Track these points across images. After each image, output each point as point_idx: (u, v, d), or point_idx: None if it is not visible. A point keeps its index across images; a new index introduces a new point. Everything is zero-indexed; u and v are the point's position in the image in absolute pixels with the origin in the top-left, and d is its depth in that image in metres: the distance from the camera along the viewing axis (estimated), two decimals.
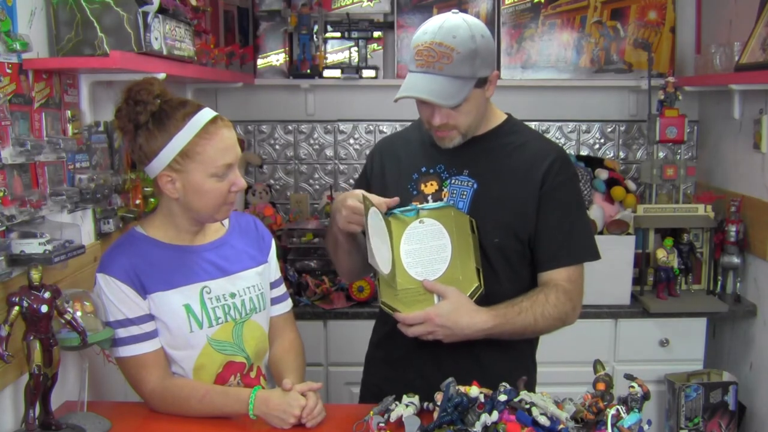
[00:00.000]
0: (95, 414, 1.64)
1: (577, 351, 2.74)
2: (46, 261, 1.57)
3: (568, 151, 3.36)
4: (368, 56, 3.42)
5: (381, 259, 1.69)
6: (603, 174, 3.10)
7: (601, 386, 1.46)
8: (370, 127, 3.53)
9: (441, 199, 1.80)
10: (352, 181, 3.50)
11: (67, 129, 1.85)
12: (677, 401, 2.82)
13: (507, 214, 1.78)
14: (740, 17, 2.89)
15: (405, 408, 1.57)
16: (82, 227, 1.91)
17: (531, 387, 1.76)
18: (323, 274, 3.02)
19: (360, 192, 1.73)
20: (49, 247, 1.59)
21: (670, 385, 2.88)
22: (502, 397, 1.48)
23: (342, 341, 2.91)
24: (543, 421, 1.43)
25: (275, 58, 3.43)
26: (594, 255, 1.83)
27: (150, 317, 1.68)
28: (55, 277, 1.69)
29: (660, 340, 2.93)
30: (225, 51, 2.96)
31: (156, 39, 1.88)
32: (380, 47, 3.43)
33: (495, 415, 1.45)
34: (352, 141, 3.54)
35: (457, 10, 1.75)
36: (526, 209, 1.78)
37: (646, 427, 1.42)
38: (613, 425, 1.39)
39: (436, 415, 1.51)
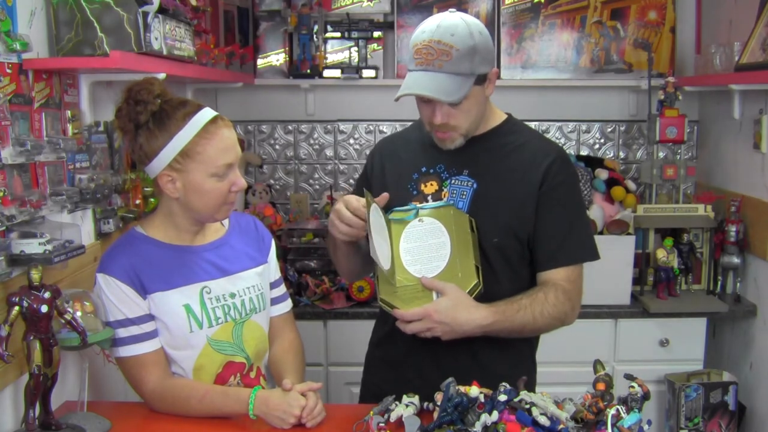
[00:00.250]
0: (95, 414, 1.64)
1: (577, 351, 2.74)
2: (46, 261, 1.57)
3: (568, 151, 3.36)
4: (368, 56, 3.42)
5: (382, 255, 1.69)
6: (603, 174, 3.10)
7: (601, 386, 1.46)
8: (370, 127, 3.53)
9: (441, 199, 1.80)
10: (352, 181, 3.50)
11: (67, 129, 1.85)
12: (677, 401, 2.82)
13: (506, 214, 1.78)
14: (740, 17, 2.89)
15: (405, 408, 1.57)
16: (82, 227, 1.91)
17: (531, 387, 1.76)
18: (323, 274, 3.01)
19: (349, 196, 1.74)
20: (49, 247, 1.59)
21: (670, 385, 2.88)
22: (502, 397, 1.48)
23: (342, 341, 2.91)
24: (543, 421, 1.43)
25: (275, 58, 3.43)
26: (593, 255, 1.83)
27: (150, 317, 1.68)
28: (55, 277, 1.69)
29: (660, 340, 2.93)
30: (225, 51, 2.96)
31: (156, 39, 1.88)
32: (380, 47, 3.44)
33: (495, 415, 1.45)
34: (352, 141, 3.54)
35: (454, 9, 1.76)
36: (525, 209, 1.78)
37: (646, 427, 1.42)
38: (613, 425, 1.39)
39: (436, 415, 1.51)
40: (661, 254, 2.97)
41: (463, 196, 1.79)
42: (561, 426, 1.43)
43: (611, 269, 2.70)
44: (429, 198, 1.81)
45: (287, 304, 1.93)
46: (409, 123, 2.01)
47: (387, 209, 1.79)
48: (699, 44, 3.33)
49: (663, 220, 3.01)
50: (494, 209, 1.78)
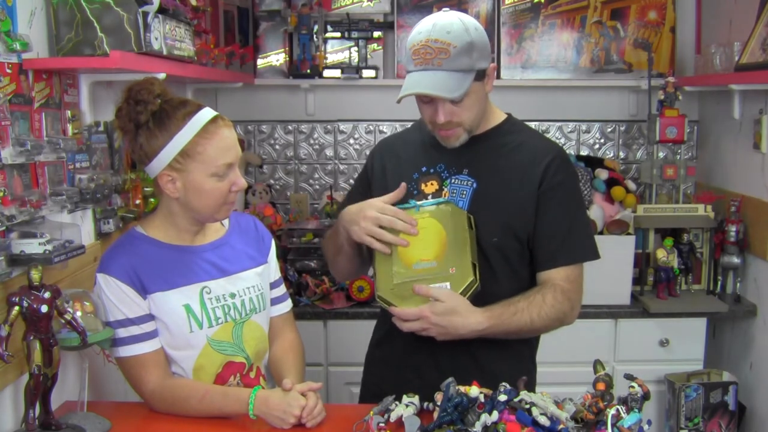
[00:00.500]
0: (95, 414, 1.64)
1: (577, 351, 2.74)
2: (46, 261, 1.57)
3: (568, 151, 3.36)
4: (368, 56, 3.42)
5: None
6: (603, 174, 3.10)
7: (601, 386, 1.46)
8: (370, 127, 3.53)
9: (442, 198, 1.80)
10: (352, 181, 3.49)
11: (67, 129, 1.85)
12: (677, 401, 2.82)
13: (506, 213, 1.78)
14: (740, 17, 2.89)
15: (405, 408, 1.57)
16: (82, 227, 1.91)
17: (531, 387, 1.76)
18: (323, 274, 3.01)
19: (375, 201, 1.75)
20: (49, 247, 1.59)
21: (670, 385, 2.88)
22: (502, 397, 1.48)
23: (342, 341, 2.91)
24: (543, 421, 1.42)
25: (275, 58, 3.43)
26: (593, 254, 1.83)
27: (150, 317, 1.68)
28: (55, 277, 1.69)
29: (660, 340, 2.93)
30: (225, 51, 2.96)
31: (156, 39, 1.88)
32: (380, 47, 3.44)
33: (495, 415, 1.44)
34: (352, 141, 3.54)
35: (448, 9, 1.77)
36: (524, 208, 1.78)
37: (646, 427, 1.42)
38: (613, 425, 1.39)
39: (436, 415, 1.51)
40: (661, 254, 2.97)
41: (463, 196, 1.80)
42: (561, 426, 1.43)
43: (611, 269, 2.70)
44: (429, 197, 1.81)
45: (287, 304, 1.93)
46: (410, 123, 2.01)
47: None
48: (699, 44, 3.33)
49: (663, 220, 3.01)
50: (494, 208, 1.78)
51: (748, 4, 2.75)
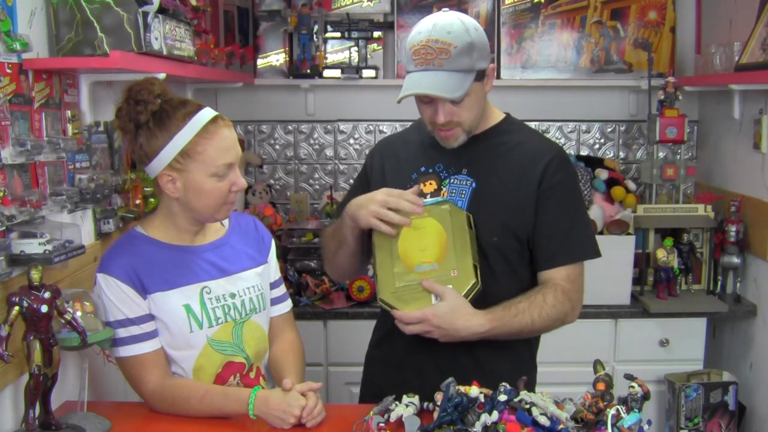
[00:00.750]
0: (95, 414, 1.64)
1: (577, 351, 2.74)
2: (46, 261, 1.57)
3: (568, 151, 3.36)
4: (368, 56, 3.42)
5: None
6: (603, 174, 3.10)
7: (601, 386, 1.46)
8: (370, 127, 3.53)
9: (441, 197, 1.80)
10: (352, 180, 3.49)
11: (67, 129, 1.85)
12: (677, 401, 2.82)
13: (505, 212, 1.78)
14: (740, 17, 2.89)
15: (405, 408, 1.57)
16: (82, 227, 1.91)
17: (531, 387, 1.76)
18: (323, 274, 3.01)
19: (385, 189, 1.75)
20: (49, 247, 1.59)
21: (670, 385, 2.88)
22: (502, 397, 1.48)
23: (342, 341, 2.91)
24: (543, 421, 1.42)
25: (275, 58, 3.43)
26: (594, 253, 1.83)
27: (150, 317, 1.68)
28: (55, 277, 1.69)
29: (660, 340, 2.93)
30: (225, 51, 2.96)
31: (156, 39, 1.88)
32: (380, 47, 3.44)
33: (495, 415, 1.44)
34: (352, 141, 3.54)
35: (447, 9, 1.77)
36: (524, 208, 1.78)
37: (646, 427, 1.42)
38: (613, 425, 1.39)
39: (436, 415, 1.51)
40: (661, 254, 2.97)
41: (462, 195, 1.80)
42: (561, 426, 1.43)
43: (611, 269, 2.70)
44: (428, 197, 1.81)
45: (287, 305, 1.93)
46: (409, 123, 2.00)
47: None
48: (699, 44, 3.33)
49: (663, 220, 3.01)
50: (493, 208, 1.78)
51: (748, 4, 2.75)
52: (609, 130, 3.52)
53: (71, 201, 1.79)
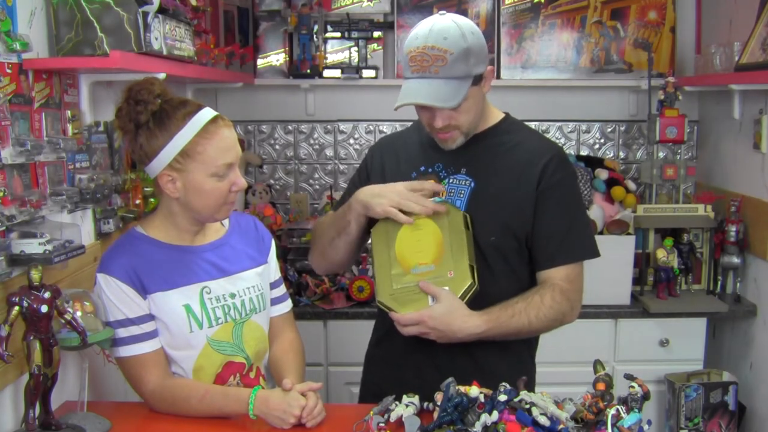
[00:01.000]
0: (95, 414, 1.64)
1: (577, 351, 2.74)
2: (46, 261, 1.57)
3: (568, 151, 3.37)
4: (368, 56, 3.42)
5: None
6: (603, 174, 3.10)
7: (601, 386, 1.46)
8: (370, 127, 3.53)
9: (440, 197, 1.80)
10: None
11: (67, 129, 1.85)
12: (677, 401, 2.82)
13: (504, 212, 1.78)
14: (740, 17, 2.89)
15: (405, 408, 1.57)
16: (82, 227, 1.90)
17: (530, 387, 1.76)
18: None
19: (406, 183, 1.76)
20: (49, 247, 1.59)
21: (670, 385, 2.88)
22: (502, 397, 1.48)
23: (342, 341, 2.91)
24: (543, 421, 1.42)
25: (275, 58, 3.43)
26: (593, 253, 1.83)
27: (150, 317, 1.68)
28: (55, 277, 1.69)
29: (660, 340, 2.93)
30: (225, 51, 2.96)
31: (156, 39, 1.88)
32: (380, 47, 3.44)
33: (495, 415, 1.44)
34: (352, 141, 3.54)
35: (444, 11, 1.76)
36: (523, 207, 1.78)
37: (646, 427, 1.42)
38: (613, 425, 1.39)
39: (436, 415, 1.51)
40: (661, 254, 2.97)
41: (461, 195, 1.80)
42: (561, 426, 1.43)
43: (611, 269, 2.70)
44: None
45: (287, 305, 1.93)
46: (409, 123, 2.01)
47: None
48: (699, 44, 3.33)
49: (663, 220, 3.01)
50: (492, 208, 1.78)
51: (748, 4, 2.75)
52: (609, 130, 3.52)
53: (71, 201, 1.79)
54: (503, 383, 1.53)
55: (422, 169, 1.84)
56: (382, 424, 1.54)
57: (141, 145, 1.63)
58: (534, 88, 3.43)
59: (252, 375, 1.78)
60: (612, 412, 1.40)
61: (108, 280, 1.65)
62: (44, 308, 1.45)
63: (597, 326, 2.89)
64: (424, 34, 1.68)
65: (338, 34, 3.41)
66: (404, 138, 1.96)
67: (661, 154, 3.38)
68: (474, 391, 1.49)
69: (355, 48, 3.41)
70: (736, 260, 2.97)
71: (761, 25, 2.61)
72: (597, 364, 1.54)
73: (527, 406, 1.45)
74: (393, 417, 1.55)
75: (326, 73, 3.36)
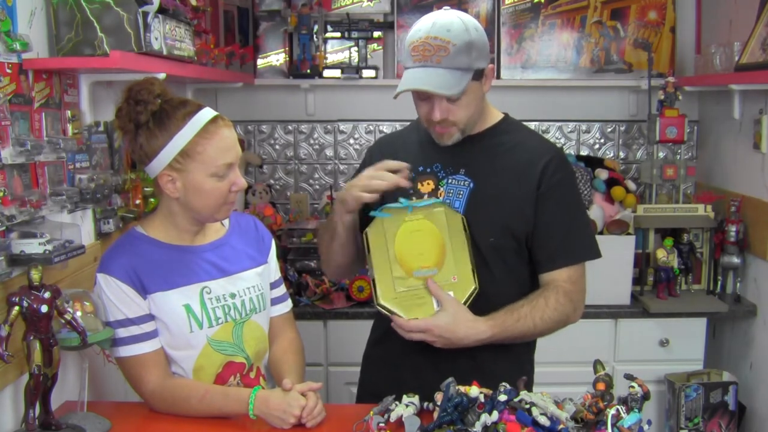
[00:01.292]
0: (95, 414, 1.64)
1: (577, 351, 2.74)
2: (46, 261, 1.57)
3: (567, 151, 3.37)
4: (368, 56, 3.42)
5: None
6: (603, 174, 3.10)
7: (601, 386, 1.46)
8: (370, 127, 3.53)
9: (437, 197, 1.79)
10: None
11: (67, 129, 1.85)
12: (677, 401, 2.82)
13: (503, 213, 1.77)
14: (740, 17, 2.89)
15: (405, 408, 1.57)
16: (82, 227, 1.90)
17: (529, 388, 1.76)
18: (323, 274, 3.01)
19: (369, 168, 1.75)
20: (49, 247, 1.59)
21: (670, 385, 2.88)
22: (502, 397, 1.48)
23: (342, 341, 2.91)
24: (543, 421, 1.43)
25: (275, 58, 3.43)
26: (595, 254, 1.83)
27: (150, 317, 1.68)
28: (55, 277, 1.69)
29: (660, 340, 2.93)
30: (225, 51, 2.96)
31: (156, 39, 1.88)
32: (380, 47, 3.44)
33: (495, 415, 1.45)
34: (352, 141, 3.54)
35: (448, 7, 1.76)
36: (522, 208, 1.77)
37: (646, 427, 1.42)
38: (613, 425, 1.39)
39: (436, 415, 1.51)
40: (661, 254, 2.97)
41: (460, 196, 1.79)
42: (561, 426, 1.43)
43: (611, 269, 2.70)
44: (425, 197, 1.80)
45: (287, 305, 1.93)
46: (409, 123, 2.00)
47: (379, 205, 1.78)
48: (699, 44, 3.33)
49: (663, 220, 3.01)
50: (491, 208, 1.77)
51: (748, 4, 2.75)
52: (609, 130, 3.52)
53: (71, 201, 1.79)
54: (503, 383, 1.53)
55: (420, 169, 1.84)
56: (382, 424, 1.54)
57: (141, 145, 1.63)
58: (534, 88, 3.43)
59: (252, 375, 1.78)
60: (612, 412, 1.40)
61: (108, 280, 1.65)
62: (44, 308, 1.45)
63: (597, 326, 2.89)
64: (427, 26, 1.69)
65: (338, 34, 3.41)
66: (403, 137, 1.96)
67: (661, 154, 3.38)
68: (474, 391, 1.49)
69: (355, 48, 3.41)
70: (736, 260, 2.97)
71: (761, 25, 2.61)
72: (597, 364, 1.54)
73: (527, 406, 1.45)
74: (393, 417, 1.55)
75: (326, 73, 3.36)
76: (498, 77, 3.34)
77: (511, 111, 1.92)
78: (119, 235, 1.87)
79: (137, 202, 2.22)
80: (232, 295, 1.75)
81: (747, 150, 2.92)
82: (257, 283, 1.81)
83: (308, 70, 3.35)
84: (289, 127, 3.54)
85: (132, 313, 1.65)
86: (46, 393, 1.51)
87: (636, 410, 1.43)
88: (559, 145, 3.35)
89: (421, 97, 1.72)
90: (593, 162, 3.20)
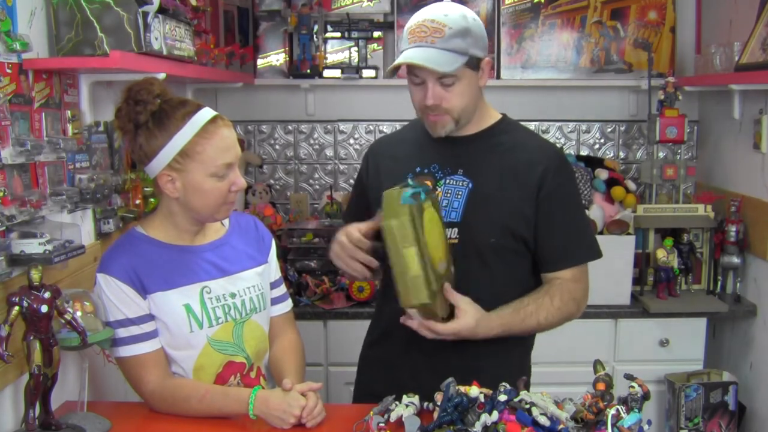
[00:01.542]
0: (95, 414, 1.64)
1: (577, 351, 2.74)
2: (46, 261, 1.57)
3: (567, 151, 3.38)
4: (368, 56, 3.42)
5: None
6: (603, 174, 3.10)
7: (601, 386, 1.46)
8: (370, 127, 3.53)
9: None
10: (352, 181, 3.49)
11: (67, 129, 1.85)
12: (677, 401, 2.82)
13: (503, 213, 1.77)
14: (740, 17, 2.89)
15: (405, 408, 1.57)
16: (82, 227, 1.91)
17: (527, 389, 1.76)
18: (323, 274, 3.02)
19: (350, 229, 1.71)
20: (49, 247, 1.59)
21: (670, 385, 2.88)
22: (502, 397, 1.48)
23: (342, 341, 2.91)
24: (543, 421, 1.43)
25: (275, 58, 3.43)
26: (596, 254, 1.84)
27: (150, 317, 1.68)
28: (55, 277, 1.69)
29: (660, 340, 2.93)
30: (225, 51, 2.96)
31: (156, 39, 1.88)
32: (380, 47, 3.43)
33: (495, 415, 1.45)
34: (352, 141, 3.54)
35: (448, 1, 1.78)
36: (522, 208, 1.77)
37: (646, 427, 1.42)
38: (613, 425, 1.39)
39: (436, 415, 1.51)
40: (661, 254, 2.97)
41: (458, 196, 1.79)
42: (561, 426, 1.43)
43: (611, 269, 2.70)
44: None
45: (287, 304, 1.93)
46: (408, 122, 2.00)
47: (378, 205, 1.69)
48: (699, 44, 3.33)
49: (663, 220, 3.01)
50: (491, 209, 1.77)
51: (748, 4, 2.75)
52: (609, 130, 3.52)
53: (71, 201, 1.79)
54: (503, 383, 1.53)
55: (418, 170, 1.83)
56: (382, 424, 1.54)
57: (140, 145, 1.63)
58: (534, 88, 3.43)
59: (252, 375, 1.78)
60: (612, 412, 1.40)
61: (108, 280, 1.65)
62: (44, 308, 1.45)
63: (597, 326, 2.89)
64: (425, 12, 1.71)
65: (338, 34, 3.41)
66: (400, 137, 1.96)
67: (661, 154, 3.38)
68: (474, 391, 1.49)
69: (355, 48, 3.41)
70: (736, 260, 2.97)
71: (761, 25, 2.61)
72: (597, 364, 1.54)
73: (527, 406, 1.45)
74: (393, 417, 1.55)
75: (326, 73, 3.36)
76: (498, 77, 3.34)
77: (511, 111, 1.92)
78: (119, 235, 1.87)
79: (137, 202, 2.22)
80: (232, 295, 1.75)
81: (747, 150, 2.92)
82: (257, 283, 1.81)
83: (308, 70, 3.35)
84: (289, 127, 3.54)
85: (132, 313, 1.65)
86: (46, 393, 1.51)
87: (636, 410, 1.43)
88: (559, 145, 3.36)
89: (416, 81, 1.72)
90: (593, 162, 3.20)
